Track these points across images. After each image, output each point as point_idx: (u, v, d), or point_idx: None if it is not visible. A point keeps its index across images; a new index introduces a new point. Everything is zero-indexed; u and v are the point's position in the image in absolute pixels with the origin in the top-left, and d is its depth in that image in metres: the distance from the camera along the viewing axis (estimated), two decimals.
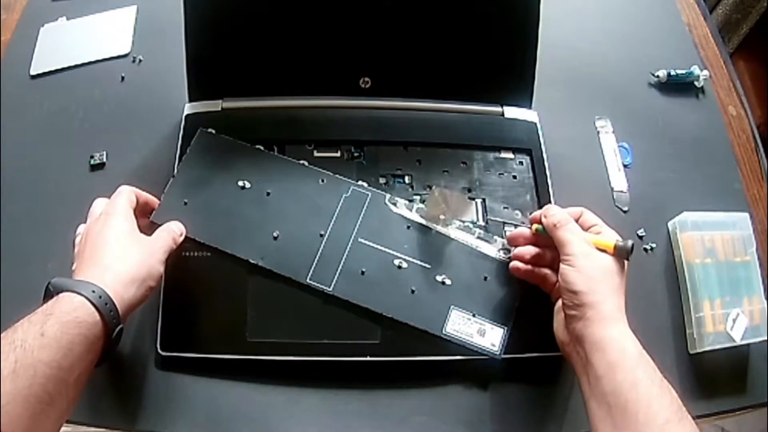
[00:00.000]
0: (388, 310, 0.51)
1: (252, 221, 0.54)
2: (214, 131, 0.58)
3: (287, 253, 0.53)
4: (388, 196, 0.56)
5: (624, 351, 0.43)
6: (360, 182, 0.57)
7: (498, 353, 0.51)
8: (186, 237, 0.51)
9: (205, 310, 0.52)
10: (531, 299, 0.53)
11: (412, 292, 0.52)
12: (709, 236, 0.59)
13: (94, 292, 0.40)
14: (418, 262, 0.53)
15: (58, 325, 0.37)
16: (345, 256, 0.53)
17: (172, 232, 0.50)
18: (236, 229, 0.53)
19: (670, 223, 0.62)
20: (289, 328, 0.51)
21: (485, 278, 0.53)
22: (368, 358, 0.51)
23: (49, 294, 0.40)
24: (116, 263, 0.43)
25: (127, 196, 0.49)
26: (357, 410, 0.51)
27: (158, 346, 0.51)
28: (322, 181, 0.56)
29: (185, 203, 0.54)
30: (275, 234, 0.53)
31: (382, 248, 0.54)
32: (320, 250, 0.53)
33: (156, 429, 0.49)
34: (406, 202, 0.56)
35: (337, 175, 0.57)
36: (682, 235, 0.59)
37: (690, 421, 0.40)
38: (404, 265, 0.53)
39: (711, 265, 0.58)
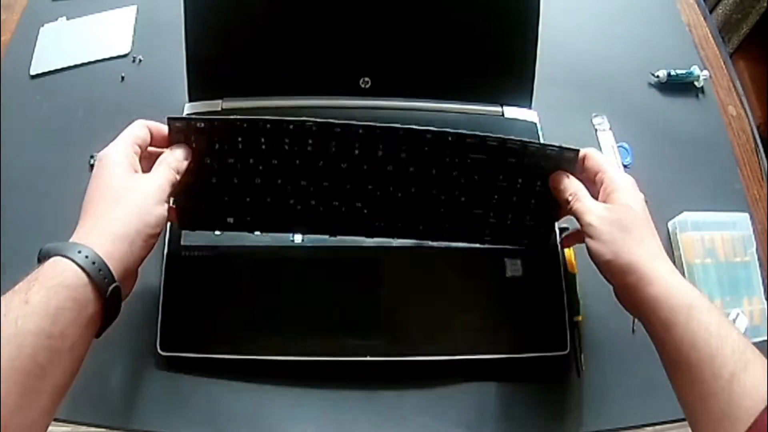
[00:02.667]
0: None
1: None
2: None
3: None
4: None
5: (672, 309, 0.40)
6: None
7: None
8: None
9: (205, 310, 0.52)
10: (530, 299, 0.54)
11: None
12: (709, 236, 0.59)
13: (80, 252, 0.36)
14: None
15: (44, 291, 0.34)
16: None
17: (172, 162, 0.45)
18: None
19: (670, 223, 0.62)
20: (289, 328, 0.51)
21: None
22: (368, 358, 0.51)
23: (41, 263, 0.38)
24: (104, 218, 0.40)
25: (131, 133, 0.45)
26: (357, 410, 0.51)
27: (158, 346, 0.51)
28: None
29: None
30: None
31: None
32: None
33: (156, 429, 0.49)
34: None
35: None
36: (682, 235, 0.59)
37: (758, 360, 0.38)
38: None
39: (711, 266, 0.58)
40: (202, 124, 0.46)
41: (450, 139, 0.48)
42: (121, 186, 0.41)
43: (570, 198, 0.47)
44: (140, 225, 0.40)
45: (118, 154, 0.43)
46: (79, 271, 0.36)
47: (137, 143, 0.45)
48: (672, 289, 0.41)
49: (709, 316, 0.40)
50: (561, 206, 0.49)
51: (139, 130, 0.45)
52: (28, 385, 0.32)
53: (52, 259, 0.37)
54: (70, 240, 0.39)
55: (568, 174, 0.48)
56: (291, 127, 0.46)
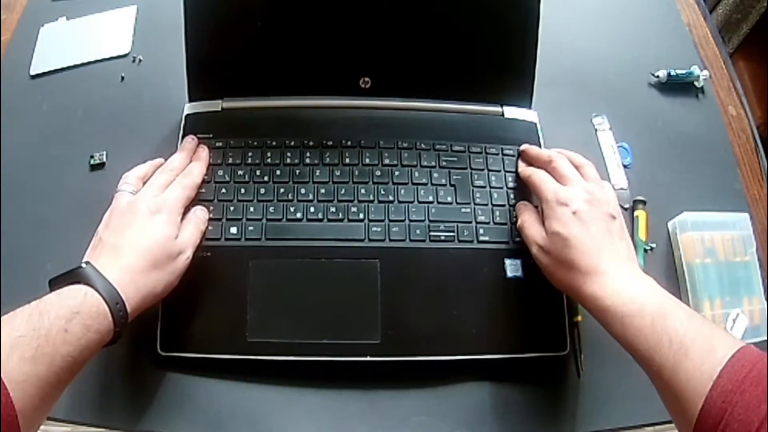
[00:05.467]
0: None
1: None
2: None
3: None
4: None
5: (608, 323, 0.44)
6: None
7: None
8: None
9: (204, 310, 0.52)
10: (530, 299, 0.54)
11: None
12: (709, 236, 0.59)
13: (117, 304, 0.43)
14: None
15: (81, 326, 0.41)
16: None
17: (200, 224, 0.52)
18: None
19: (670, 224, 0.62)
20: (289, 328, 0.51)
21: None
22: (368, 358, 0.51)
23: (73, 275, 0.43)
24: (142, 277, 0.46)
25: (186, 195, 0.52)
26: (357, 410, 0.51)
27: (158, 346, 0.51)
28: None
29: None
30: None
31: None
32: None
33: (156, 429, 0.50)
34: None
35: None
36: (682, 235, 0.59)
37: (697, 340, 0.40)
38: None
39: (711, 266, 0.58)
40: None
41: (423, 146, 0.59)
42: (165, 252, 0.47)
43: (519, 225, 0.53)
44: (161, 291, 0.47)
45: (174, 216, 0.50)
46: (112, 322, 0.43)
47: (185, 205, 0.51)
48: (605, 305, 0.45)
49: (642, 319, 0.42)
50: None
51: (192, 192, 0.53)
52: (49, 392, 0.39)
53: (95, 297, 0.42)
54: (105, 264, 0.44)
55: (525, 202, 0.56)
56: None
